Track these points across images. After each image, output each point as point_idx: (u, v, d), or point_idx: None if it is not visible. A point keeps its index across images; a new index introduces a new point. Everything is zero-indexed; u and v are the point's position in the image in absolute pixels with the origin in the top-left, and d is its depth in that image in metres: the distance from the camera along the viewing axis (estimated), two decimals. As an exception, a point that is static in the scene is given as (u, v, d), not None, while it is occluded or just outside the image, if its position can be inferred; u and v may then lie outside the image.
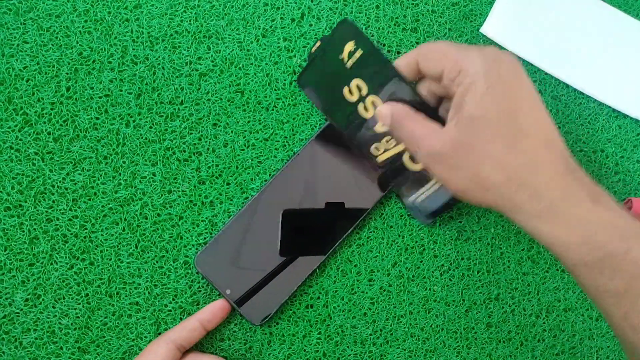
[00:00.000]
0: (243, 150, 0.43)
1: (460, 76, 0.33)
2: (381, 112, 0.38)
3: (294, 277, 0.42)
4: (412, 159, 0.40)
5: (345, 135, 0.41)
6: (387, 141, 0.40)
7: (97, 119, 0.43)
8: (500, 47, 0.45)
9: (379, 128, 0.39)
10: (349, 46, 0.37)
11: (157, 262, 0.42)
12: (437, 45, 0.35)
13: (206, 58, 0.43)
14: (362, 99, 0.39)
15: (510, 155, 0.32)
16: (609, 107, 0.45)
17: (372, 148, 0.40)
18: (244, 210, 0.42)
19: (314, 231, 0.42)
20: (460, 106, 0.32)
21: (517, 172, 0.32)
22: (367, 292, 0.43)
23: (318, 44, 0.40)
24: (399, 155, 0.40)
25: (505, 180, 0.32)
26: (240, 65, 0.44)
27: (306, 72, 0.41)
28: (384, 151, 0.40)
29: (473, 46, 0.34)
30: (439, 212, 0.42)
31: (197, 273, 0.42)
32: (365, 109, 0.39)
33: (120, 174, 0.43)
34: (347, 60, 0.38)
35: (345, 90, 0.39)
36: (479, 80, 0.32)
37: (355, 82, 0.38)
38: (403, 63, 0.37)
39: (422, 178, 0.40)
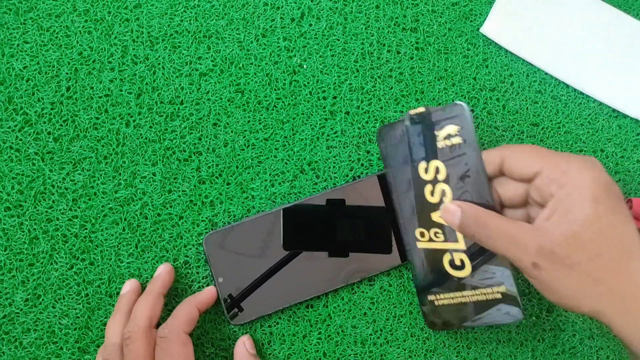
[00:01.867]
0: (243, 150, 0.43)
1: (563, 178, 0.32)
2: (449, 208, 0.36)
3: (286, 296, 0.42)
4: (452, 262, 0.38)
5: (395, 199, 0.40)
6: (436, 234, 0.38)
7: (97, 118, 0.43)
8: (500, 47, 0.45)
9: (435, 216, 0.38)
10: (451, 129, 0.36)
11: (157, 262, 0.42)
12: (528, 147, 0.35)
13: (206, 58, 0.43)
14: (434, 181, 0.37)
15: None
16: (609, 107, 0.45)
17: (417, 232, 0.39)
18: (270, 212, 0.42)
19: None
20: (566, 207, 0.32)
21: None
22: (367, 292, 0.43)
23: (422, 109, 0.38)
24: (439, 252, 0.39)
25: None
26: (240, 65, 0.44)
27: (392, 127, 0.39)
28: (429, 240, 0.39)
29: (565, 153, 0.34)
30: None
31: (202, 251, 0.42)
32: (432, 193, 0.38)
33: (120, 173, 0.43)
34: (440, 140, 0.37)
35: (422, 165, 0.38)
36: (586, 190, 0.32)
37: (436, 163, 0.37)
38: (485, 160, 0.36)
39: (454, 285, 0.39)
